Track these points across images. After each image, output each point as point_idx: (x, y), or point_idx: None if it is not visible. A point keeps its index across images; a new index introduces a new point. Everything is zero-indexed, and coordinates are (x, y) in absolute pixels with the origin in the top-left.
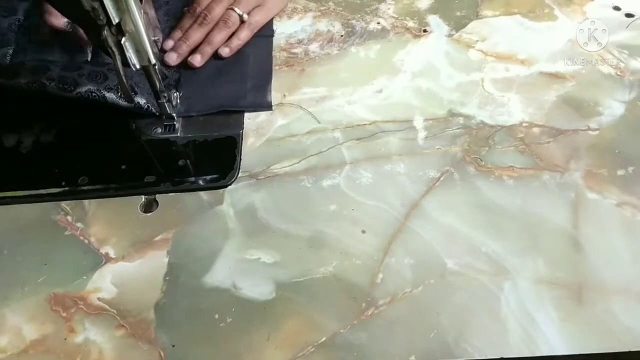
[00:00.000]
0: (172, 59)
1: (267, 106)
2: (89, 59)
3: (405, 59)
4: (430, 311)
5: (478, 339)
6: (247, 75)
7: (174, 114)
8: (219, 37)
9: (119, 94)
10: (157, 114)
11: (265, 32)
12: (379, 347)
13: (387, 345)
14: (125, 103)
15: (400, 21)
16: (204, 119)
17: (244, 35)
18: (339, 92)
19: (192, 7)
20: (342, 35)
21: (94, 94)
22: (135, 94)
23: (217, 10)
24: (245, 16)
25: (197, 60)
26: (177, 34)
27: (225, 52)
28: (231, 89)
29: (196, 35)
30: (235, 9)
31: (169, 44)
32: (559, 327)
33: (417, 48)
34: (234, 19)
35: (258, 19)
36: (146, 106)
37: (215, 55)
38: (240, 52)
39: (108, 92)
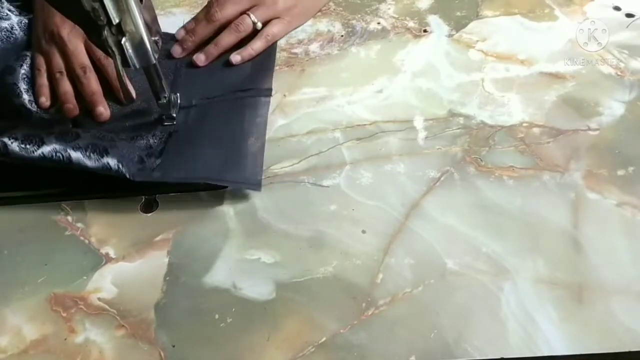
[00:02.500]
0: (177, 52)
1: (256, 184)
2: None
3: (406, 59)
4: (430, 311)
5: (478, 339)
6: (237, 143)
7: (174, 114)
8: (227, 40)
9: (87, 153)
10: (128, 176)
11: (262, 92)
12: (379, 347)
13: (387, 345)
14: (93, 163)
15: (400, 21)
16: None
17: (258, 46)
18: (339, 92)
19: (209, 2)
20: (342, 36)
21: (58, 154)
22: (107, 154)
23: (229, 11)
24: (259, 25)
25: (201, 59)
26: (190, 25)
27: (236, 59)
28: (217, 158)
29: (203, 31)
30: (251, 15)
31: (181, 33)
32: (559, 327)
33: (417, 48)
34: (247, 25)
35: (275, 31)
36: (117, 167)
37: (226, 63)
38: (233, 116)
39: (75, 150)
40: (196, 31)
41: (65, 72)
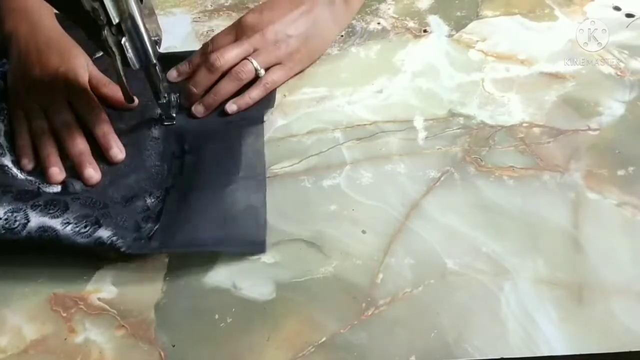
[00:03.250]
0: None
1: (260, 244)
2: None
3: (406, 59)
4: (430, 311)
5: (478, 339)
6: (236, 197)
7: (174, 114)
8: (227, 88)
9: (77, 229)
10: (124, 249)
11: (255, 120)
12: (379, 347)
13: (387, 345)
14: (84, 239)
15: (400, 21)
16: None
17: (257, 94)
18: (339, 92)
19: (206, 43)
20: (342, 36)
21: (46, 233)
22: (99, 226)
23: (231, 58)
24: (261, 72)
25: (200, 111)
26: (184, 67)
27: (231, 108)
28: (216, 221)
29: (204, 81)
30: (253, 61)
31: (173, 74)
32: (559, 327)
33: (417, 48)
34: (248, 72)
35: (276, 79)
36: (110, 240)
37: (221, 112)
38: (230, 159)
39: (64, 226)
40: (198, 82)
41: (47, 130)
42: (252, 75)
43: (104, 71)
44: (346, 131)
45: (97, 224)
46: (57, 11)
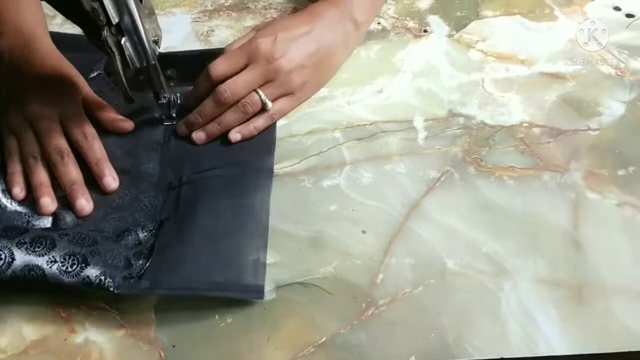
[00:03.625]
0: (183, 132)
1: (257, 292)
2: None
3: (406, 59)
4: (430, 311)
5: (478, 339)
6: (235, 239)
7: (174, 114)
8: (232, 118)
9: (64, 267)
10: (112, 289)
11: (262, 172)
12: (379, 347)
13: (387, 345)
14: (71, 279)
15: (400, 21)
16: None
17: (261, 124)
18: (339, 92)
19: (211, 68)
20: None
21: (32, 272)
22: (86, 264)
23: (240, 90)
24: (269, 104)
25: (201, 138)
26: (196, 120)
27: (235, 137)
28: (211, 262)
29: (209, 114)
30: (261, 93)
31: (183, 130)
32: (559, 327)
33: (417, 48)
34: (255, 105)
35: (282, 108)
36: (98, 280)
37: (223, 138)
38: (229, 200)
39: (50, 265)
40: (203, 113)
41: (39, 157)
42: (258, 107)
43: (99, 92)
44: (346, 131)
45: (85, 262)
46: (57, 11)
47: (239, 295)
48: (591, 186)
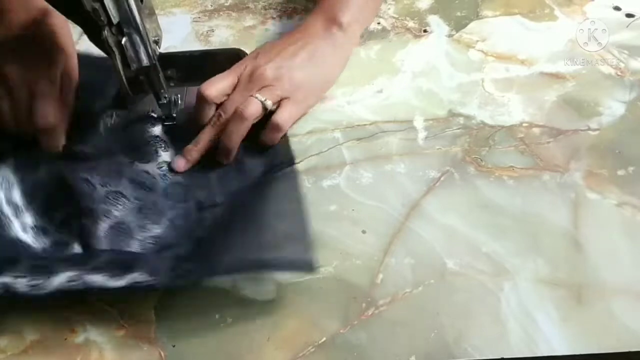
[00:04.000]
0: (180, 165)
1: (308, 266)
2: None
3: (406, 59)
4: (430, 311)
5: (478, 339)
6: (274, 221)
7: (174, 114)
8: (235, 129)
9: (109, 273)
10: (159, 286)
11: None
12: (379, 347)
13: (387, 345)
14: (116, 282)
15: (400, 21)
16: None
17: (269, 138)
18: (339, 92)
19: (201, 89)
20: None
21: (72, 282)
22: (130, 269)
23: (235, 105)
24: (268, 103)
25: (225, 158)
26: (194, 155)
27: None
28: (255, 246)
29: (206, 139)
30: (258, 95)
31: (181, 165)
32: (559, 327)
33: (417, 48)
34: (254, 108)
35: (286, 115)
36: (146, 279)
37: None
38: (264, 201)
39: (95, 273)
40: (199, 139)
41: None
42: (258, 109)
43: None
44: (346, 131)
45: (129, 268)
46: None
47: (290, 269)
48: (591, 186)
